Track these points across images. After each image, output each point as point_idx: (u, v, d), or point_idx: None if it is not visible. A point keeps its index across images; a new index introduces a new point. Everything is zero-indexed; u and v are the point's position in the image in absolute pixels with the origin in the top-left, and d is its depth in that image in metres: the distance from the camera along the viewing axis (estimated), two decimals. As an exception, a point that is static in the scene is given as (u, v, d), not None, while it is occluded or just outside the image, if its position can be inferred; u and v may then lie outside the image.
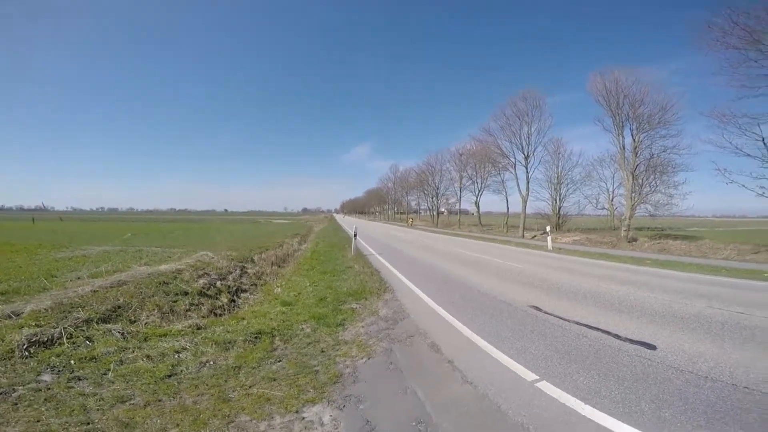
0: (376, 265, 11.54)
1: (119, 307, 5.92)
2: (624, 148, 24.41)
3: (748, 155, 16.78)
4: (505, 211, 39.41)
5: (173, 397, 3.35)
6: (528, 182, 32.27)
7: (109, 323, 5.35)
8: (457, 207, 50.89)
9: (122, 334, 5.01)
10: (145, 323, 5.66)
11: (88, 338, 4.76)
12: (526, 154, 31.66)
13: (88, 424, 2.84)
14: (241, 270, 11.38)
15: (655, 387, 3.48)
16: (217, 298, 8.21)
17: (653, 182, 24.65)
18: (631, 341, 4.77)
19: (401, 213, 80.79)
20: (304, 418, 3.02)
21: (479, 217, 47.38)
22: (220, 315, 7.13)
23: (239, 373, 3.90)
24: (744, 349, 4.46)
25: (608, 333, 5.12)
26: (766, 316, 5.82)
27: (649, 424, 2.85)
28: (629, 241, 21.90)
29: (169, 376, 3.83)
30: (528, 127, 31.28)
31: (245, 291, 9.52)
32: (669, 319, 5.83)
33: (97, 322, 5.25)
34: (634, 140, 23.74)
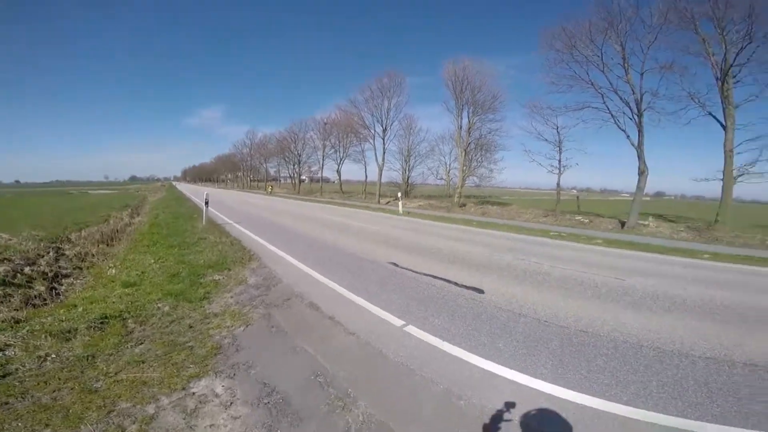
0: (236, 235, 10.88)
1: None
2: (461, 128, 28.50)
3: (546, 140, 21.74)
4: (364, 179, 41.80)
5: (22, 398, 2.80)
6: (384, 153, 34.75)
7: None
8: (320, 175, 51.03)
9: None
10: (-72, 325, 4.26)
11: None
12: (384, 127, 33.95)
13: None
14: (57, 252, 9.30)
15: (488, 323, 4.43)
16: (29, 287, 6.62)
17: (479, 158, 29.95)
18: (466, 287, 5.90)
19: (258, 180, 76.16)
20: (194, 393, 2.91)
21: (341, 185, 48.78)
22: (41, 306, 5.82)
23: (96, 362, 3.40)
24: (539, 290, 5.88)
25: (449, 281, 6.21)
26: (552, 266, 7.72)
27: (490, 353, 3.65)
28: (460, 206, 25.99)
29: (3, 376, 3.14)
30: (388, 102, 33.50)
31: (67, 276, 7.88)
32: (489, 268, 7.35)
33: None
34: (469, 122, 27.90)
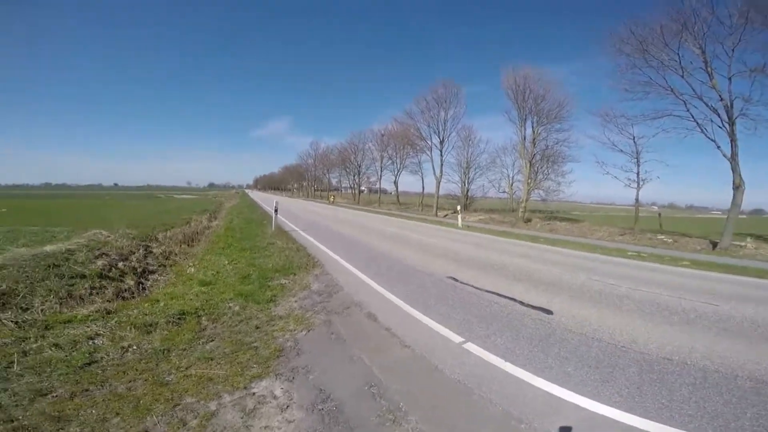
0: (301, 241, 11.37)
1: (3, 294, 5.07)
2: (525, 138, 27.16)
3: (621, 151, 20.07)
4: (421, 191, 41.48)
5: (102, 386, 3.07)
6: (442, 165, 34.40)
7: (-5, 312, 4.57)
8: (378, 185, 51.91)
9: (16, 323, 4.33)
10: (42, 310, 4.93)
11: (-29, 330, 4.03)
12: (441, 139, 33.59)
13: (12, 421, 2.51)
14: (146, 250, 10.34)
15: (557, 346, 4.14)
16: (121, 281, 7.40)
17: (546, 170, 28.18)
18: (533, 307, 5.55)
19: (321, 190, 79.46)
20: (254, 393, 3.01)
21: (398, 196, 49.10)
22: (129, 298, 6.48)
23: (170, 356, 3.68)
24: (617, 315, 5.42)
25: (514, 300, 5.88)
26: (630, 287, 7.08)
27: (558, 377, 3.42)
28: (525, 221, 24.76)
29: (89, 364, 3.47)
30: (445, 113, 33.13)
31: (153, 272, 8.71)
32: (560, 288, 6.86)
33: (-23, 312, 4.45)
34: (533, 132, 26.53)
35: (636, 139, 19.45)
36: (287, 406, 2.86)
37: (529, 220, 25.21)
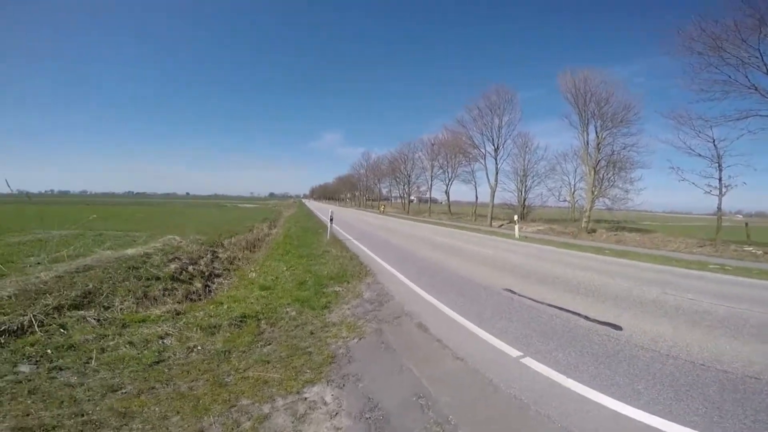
0: (354, 250, 11.57)
1: (90, 292, 5.65)
2: (587, 144, 25.56)
3: (700, 155, 18.18)
4: (473, 200, 40.37)
5: (166, 384, 3.28)
6: (497, 173, 33.15)
7: (82, 310, 5.10)
8: (428, 195, 51.60)
9: (98, 320, 4.81)
10: (121, 309, 5.44)
11: (61, 326, 4.52)
12: (496, 146, 32.44)
13: (83, 415, 2.73)
14: (212, 255, 11.09)
15: (626, 363, 3.81)
16: (190, 283, 7.98)
17: (612, 177, 26.04)
18: (600, 322, 5.14)
19: (372, 200, 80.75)
20: (306, 398, 3.06)
21: (449, 206, 48.32)
22: (197, 300, 6.95)
23: (230, 357, 3.86)
24: (696, 330, 4.92)
25: (578, 314, 5.47)
26: (712, 303, 6.38)
27: (626, 395, 3.15)
28: (589, 232, 23.14)
29: (157, 362, 3.73)
30: (499, 120, 32.00)
31: (218, 276, 9.29)
32: (630, 302, 6.29)
33: (68, 309, 5.00)
34: (597, 137, 24.84)
35: (716, 142, 17.51)
36: (336, 413, 2.87)
37: (593, 231, 23.54)
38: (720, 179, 17.75)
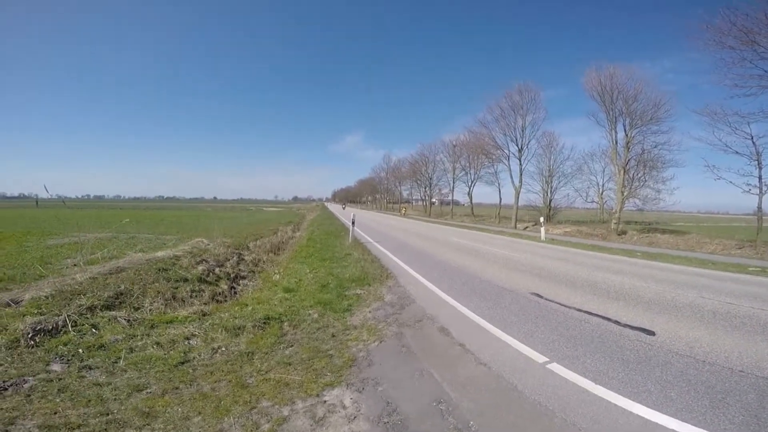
0: (375, 253, 11.56)
1: (121, 293, 5.86)
2: (616, 143, 24.58)
3: (737, 153, 17.23)
4: (497, 202, 39.59)
5: (190, 385, 3.34)
6: (521, 174, 32.38)
7: (113, 310, 5.30)
8: (450, 197, 51.05)
9: (128, 321, 4.98)
10: (150, 310, 5.62)
11: (93, 326, 4.71)
12: (519, 147, 31.75)
13: (108, 414, 2.80)
14: (238, 257, 11.33)
15: (659, 369, 3.63)
16: (216, 285, 8.17)
17: (642, 177, 24.86)
18: (631, 327, 4.92)
19: (393, 203, 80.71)
20: (325, 401, 3.05)
21: (472, 208, 47.62)
22: (222, 302, 7.10)
23: (253, 359, 3.91)
24: (735, 336, 4.65)
25: (608, 319, 5.26)
26: (752, 307, 6.04)
27: (658, 402, 3.00)
28: (619, 234, 22.29)
29: (183, 363, 3.81)
30: (522, 120, 31.25)
31: (244, 278, 9.48)
32: (663, 307, 6.01)
33: (101, 309, 5.20)
34: (626, 135, 23.87)
35: (755, 139, 16.53)
36: (355, 417, 2.84)
37: (623, 233, 22.66)
38: (760, 177, 16.74)
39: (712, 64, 17.52)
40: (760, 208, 17.26)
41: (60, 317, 4.66)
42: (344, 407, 2.97)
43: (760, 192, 16.81)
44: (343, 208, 76.42)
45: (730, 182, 17.45)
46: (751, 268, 10.69)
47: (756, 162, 16.73)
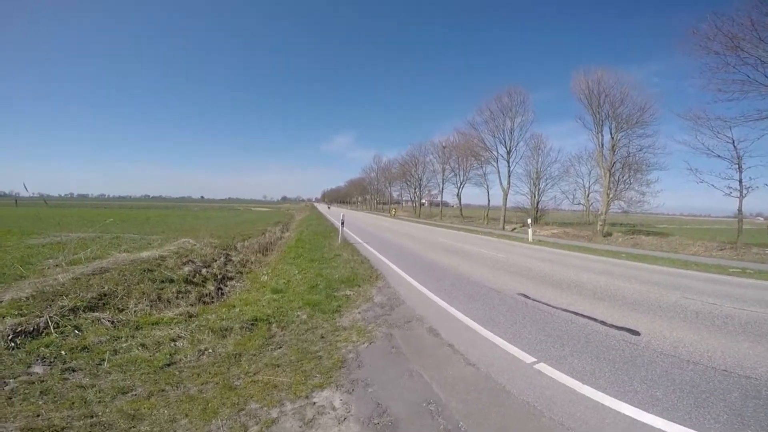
0: (365, 254, 11.54)
1: (105, 294, 5.73)
2: (602, 145, 24.98)
3: (719, 156, 17.73)
4: (486, 203, 39.91)
5: (176, 387, 3.29)
6: (509, 176, 32.71)
7: (97, 311, 5.19)
8: (439, 198, 51.31)
9: (112, 322, 4.88)
10: (135, 311, 5.51)
11: (76, 327, 4.60)
12: (508, 149, 32.03)
13: (92, 417, 2.74)
14: (226, 257, 11.19)
15: (644, 369, 3.71)
16: (203, 286, 8.06)
17: (628, 180, 25.52)
18: (617, 327, 5.01)
19: (383, 203, 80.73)
20: (315, 403, 3.03)
21: (461, 209, 47.93)
22: (209, 303, 7.01)
23: (241, 360, 3.86)
24: (718, 335, 4.77)
25: (594, 319, 5.34)
26: (734, 307, 6.21)
27: (644, 402, 3.06)
28: (604, 236, 22.68)
29: (169, 365, 3.75)
30: (511, 122, 31.54)
31: (231, 279, 9.37)
32: (648, 307, 6.13)
33: (84, 311, 5.08)
34: (612, 138, 24.30)
35: (736, 143, 17.02)
36: (344, 419, 2.83)
37: (608, 234, 23.07)
38: (740, 181, 17.27)
39: (697, 69, 17.96)
40: (740, 210, 17.77)
41: (41, 318, 4.54)
42: (334, 409, 2.95)
43: (741, 195, 17.33)
44: (329, 208, 77.35)
45: (712, 185, 18.00)
46: (731, 270, 10.98)
47: (737, 166, 17.25)
